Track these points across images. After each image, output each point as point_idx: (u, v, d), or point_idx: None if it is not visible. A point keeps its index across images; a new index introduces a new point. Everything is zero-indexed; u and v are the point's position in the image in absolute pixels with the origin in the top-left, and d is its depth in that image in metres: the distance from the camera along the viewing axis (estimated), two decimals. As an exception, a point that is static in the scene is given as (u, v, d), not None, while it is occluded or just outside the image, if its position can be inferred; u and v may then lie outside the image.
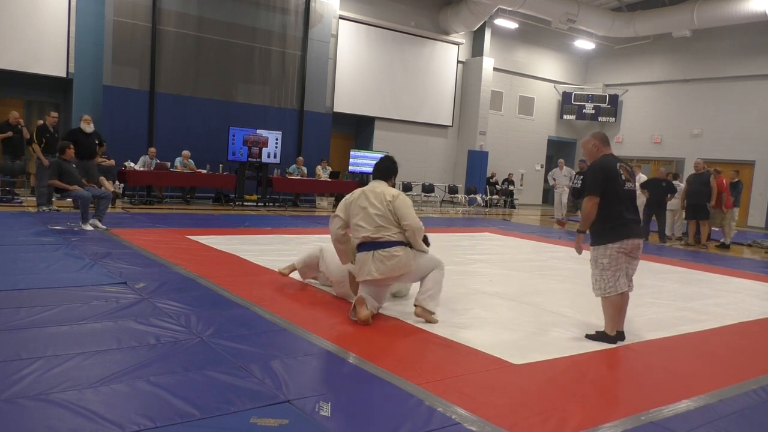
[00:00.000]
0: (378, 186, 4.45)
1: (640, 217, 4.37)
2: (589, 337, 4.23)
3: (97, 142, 9.92)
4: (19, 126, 10.16)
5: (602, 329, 4.23)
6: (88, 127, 9.76)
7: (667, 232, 12.20)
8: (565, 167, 14.89)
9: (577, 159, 21.51)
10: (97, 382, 2.81)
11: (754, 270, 8.53)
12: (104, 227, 7.72)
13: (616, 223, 4.07)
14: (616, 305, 4.12)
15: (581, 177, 14.16)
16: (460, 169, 19.20)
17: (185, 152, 12.54)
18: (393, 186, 4.57)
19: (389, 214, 4.29)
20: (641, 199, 13.27)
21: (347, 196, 4.50)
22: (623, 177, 4.13)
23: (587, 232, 4.23)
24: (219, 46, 13.67)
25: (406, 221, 4.31)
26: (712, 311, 5.48)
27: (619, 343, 4.15)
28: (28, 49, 12.06)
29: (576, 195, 13.94)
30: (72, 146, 8.30)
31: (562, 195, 14.70)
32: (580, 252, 4.37)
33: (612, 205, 4.07)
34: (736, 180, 12.31)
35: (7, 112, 10.64)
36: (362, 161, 15.13)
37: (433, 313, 4.35)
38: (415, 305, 4.36)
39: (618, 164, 4.18)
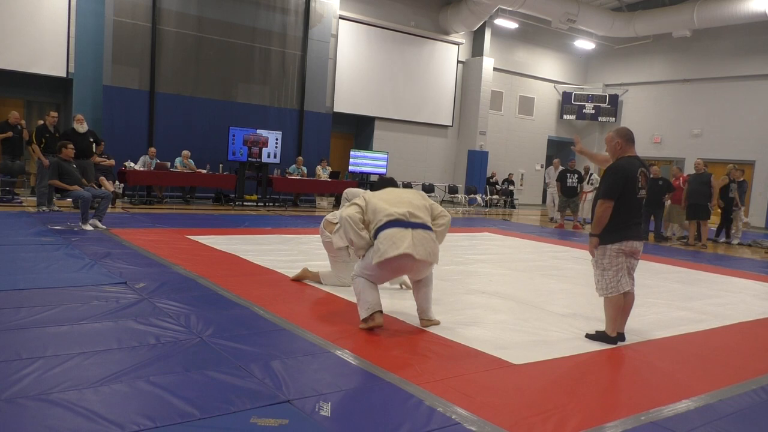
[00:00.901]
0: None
1: (641, 221, 4.28)
2: (589, 336, 4.23)
3: (92, 140, 9.90)
4: (19, 126, 10.16)
5: (603, 329, 4.23)
6: (81, 127, 9.75)
7: (668, 233, 12.21)
8: (560, 167, 14.73)
9: (576, 158, 21.50)
10: (97, 382, 2.81)
11: (754, 270, 8.52)
12: (104, 227, 7.72)
13: (621, 226, 4.04)
14: (618, 306, 4.10)
15: (576, 175, 14.02)
16: (460, 169, 19.20)
17: (185, 152, 12.54)
18: None
19: (426, 206, 4.22)
20: None
21: (366, 192, 4.39)
22: (640, 184, 4.06)
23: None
24: (219, 46, 13.67)
25: (440, 210, 4.28)
26: (712, 311, 5.48)
27: (619, 344, 4.15)
28: (28, 49, 12.06)
29: (569, 193, 13.93)
30: (69, 145, 8.31)
31: (554, 195, 14.57)
32: (594, 255, 4.22)
33: (621, 211, 4.02)
34: (741, 179, 12.33)
35: (7, 112, 10.65)
36: (362, 161, 15.14)
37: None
38: (421, 318, 4.28)
39: (639, 170, 4.07)
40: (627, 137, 4.16)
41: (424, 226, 4.05)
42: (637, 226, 4.14)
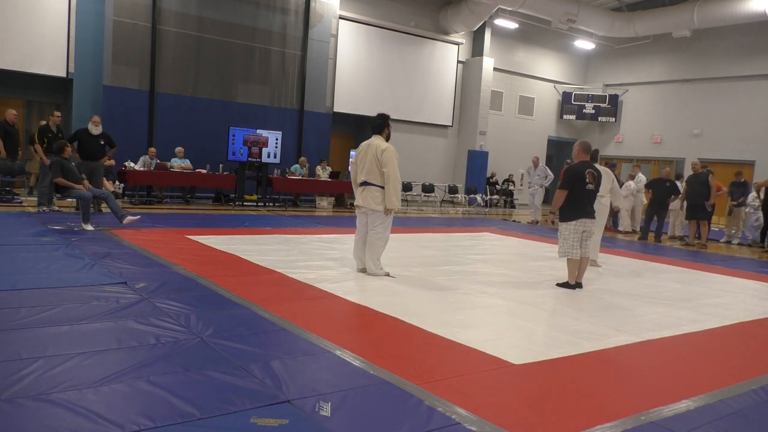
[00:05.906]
0: (375, 140, 5.92)
1: (594, 208, 6.00)
2: (559, 284, 6.05)
3: (103, 143, 9.84)
4: (15, 126, 10.16)
5: (567, 282, 6.05)
6: (96, 129, 9.69)
7: (669, 233, 12.21)
8: (540, 165, 14.17)
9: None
10: (97, 382, 2.81)
11: (754, 270, 8.53)
12: (136, 215, 8.02)
13: (575, 210, 5.83)
14: (572, 265, 5.98)
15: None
16: (460, 169, 19.19)
17: (178, 149, 12.51)
18: (388, 137, 5.98)
19: (377, 162, 5.73)
20: (639, 198, 13.24)
21: (358, 149, 6.04)
22: (587, 180, 5.82)
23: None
24: (219, 46, 13.67)
25: (385, 168, 5.73)
26: (712, 311, 5.49)
27: (578, 290, 5.92)
28: (28, 49, 12.06)
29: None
30: (69, 145, 8.32)
31: (535, 195, 14.13)
32: (554, 224, 6.21)
33: (575, 198, 5.84)
34: (743, 180, 12.35)
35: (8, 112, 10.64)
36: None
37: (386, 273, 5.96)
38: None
39: (587, 170, 5.84)
40: (584, 148, 6.03)
41: (369, 185, 5.85)
42: (589, 211, 5.88)
